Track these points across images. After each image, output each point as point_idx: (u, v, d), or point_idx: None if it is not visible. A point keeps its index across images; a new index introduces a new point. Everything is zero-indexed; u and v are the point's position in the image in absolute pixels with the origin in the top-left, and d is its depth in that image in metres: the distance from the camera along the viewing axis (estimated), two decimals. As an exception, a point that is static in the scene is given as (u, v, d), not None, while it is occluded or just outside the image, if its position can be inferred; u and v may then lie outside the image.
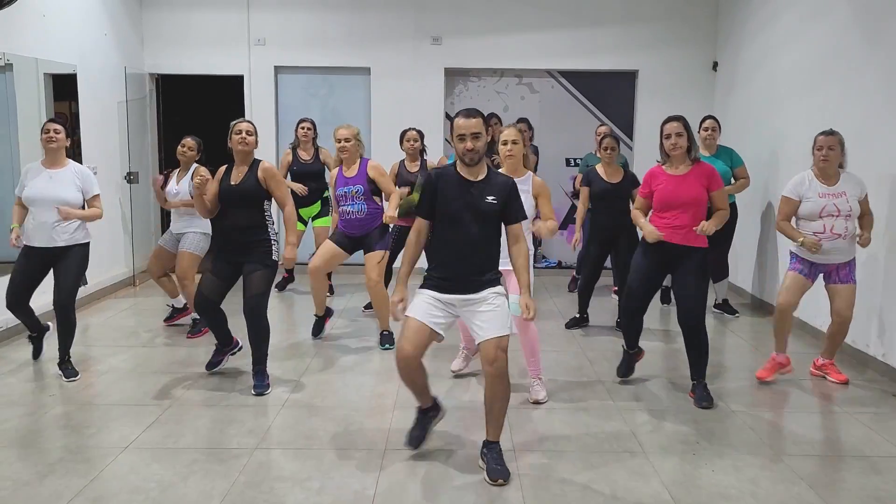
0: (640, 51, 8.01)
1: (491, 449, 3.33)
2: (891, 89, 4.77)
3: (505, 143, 4.15)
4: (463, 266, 3.30)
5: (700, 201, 4.18)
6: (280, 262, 4.42)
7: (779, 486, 3.22)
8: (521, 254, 3.40)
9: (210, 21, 7.95)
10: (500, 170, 3.86)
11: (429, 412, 3.53)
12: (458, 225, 3.28)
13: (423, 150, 6.09)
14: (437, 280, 3.34)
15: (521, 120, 7.88)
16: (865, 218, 4.47)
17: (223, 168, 4.42)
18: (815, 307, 5.30)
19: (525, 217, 3.49)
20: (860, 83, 5.11)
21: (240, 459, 3.42)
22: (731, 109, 7.50)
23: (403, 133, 6.03)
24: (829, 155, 4.33)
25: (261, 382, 4.35)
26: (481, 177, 3.34)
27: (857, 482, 3.27)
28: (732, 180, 6.04)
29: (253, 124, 4.41)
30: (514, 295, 4.21)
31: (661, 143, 4.25)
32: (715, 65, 7.96)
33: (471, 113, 3.28)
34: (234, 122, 4.39)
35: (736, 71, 7.43)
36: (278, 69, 8.11)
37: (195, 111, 9.03)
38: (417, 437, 3.48)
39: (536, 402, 4.23)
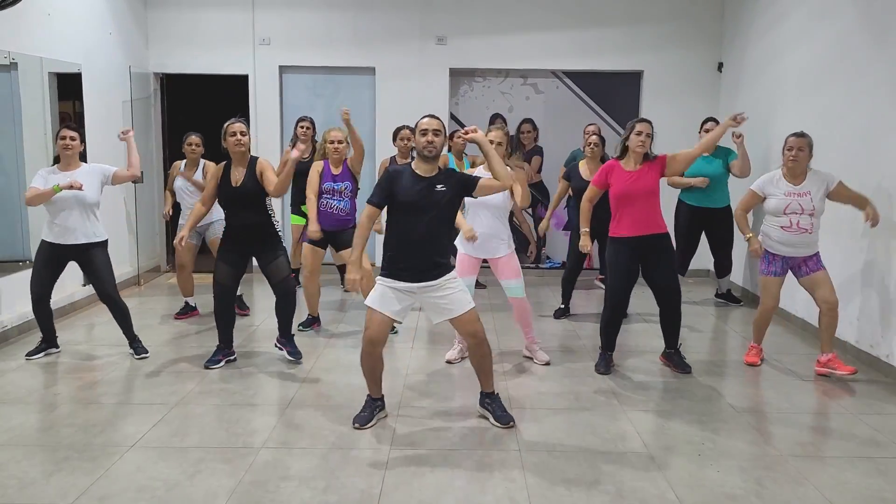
0: (644, 51, 8.00)
1: (493, 399, 3.93)
2: (897, 90, 4.77)
3: (491, 143, 4.39)
4: (415, 256, 3.67)
5: (655, 191, 4.58)
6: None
7: (784, 486, 3.22)
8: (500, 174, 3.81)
9: (215, 21, 7.96)
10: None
11: (377, 402, 3.92)
12: (410, 216, 3.66)
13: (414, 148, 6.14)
14: (394, 269, 3.71)
15: (525, 121, 7.89)
16: (854, 200, 4.61)
17: (222, 165, 4.66)
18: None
19: (477, 179, 3.86)
20: (866, 84, 5.10)
21: (246, 458, 3.43)
22: (736, 110, 7.41)
23: (397, 131, 6.21)
24: (798, 156, 4.59)
25: (295, 349, 4.91)
26: (433, 174, 3.74)
27: (862, 483, 3.27)
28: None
29: (244, 123, 4.62)
30: (511, 280, 4.76)
31: (627, 138, 4.61)
32: (720, 66, 7.95)
33: (434, 116, 3.76)
34: (227, 123, 4.63)
35: (741, 72, 7.42)
36: (283, 69, 8.12)
37: (200, 111, 9.02)
38: (366, 417, 3.84)
39: (547, 364, 4.86)
